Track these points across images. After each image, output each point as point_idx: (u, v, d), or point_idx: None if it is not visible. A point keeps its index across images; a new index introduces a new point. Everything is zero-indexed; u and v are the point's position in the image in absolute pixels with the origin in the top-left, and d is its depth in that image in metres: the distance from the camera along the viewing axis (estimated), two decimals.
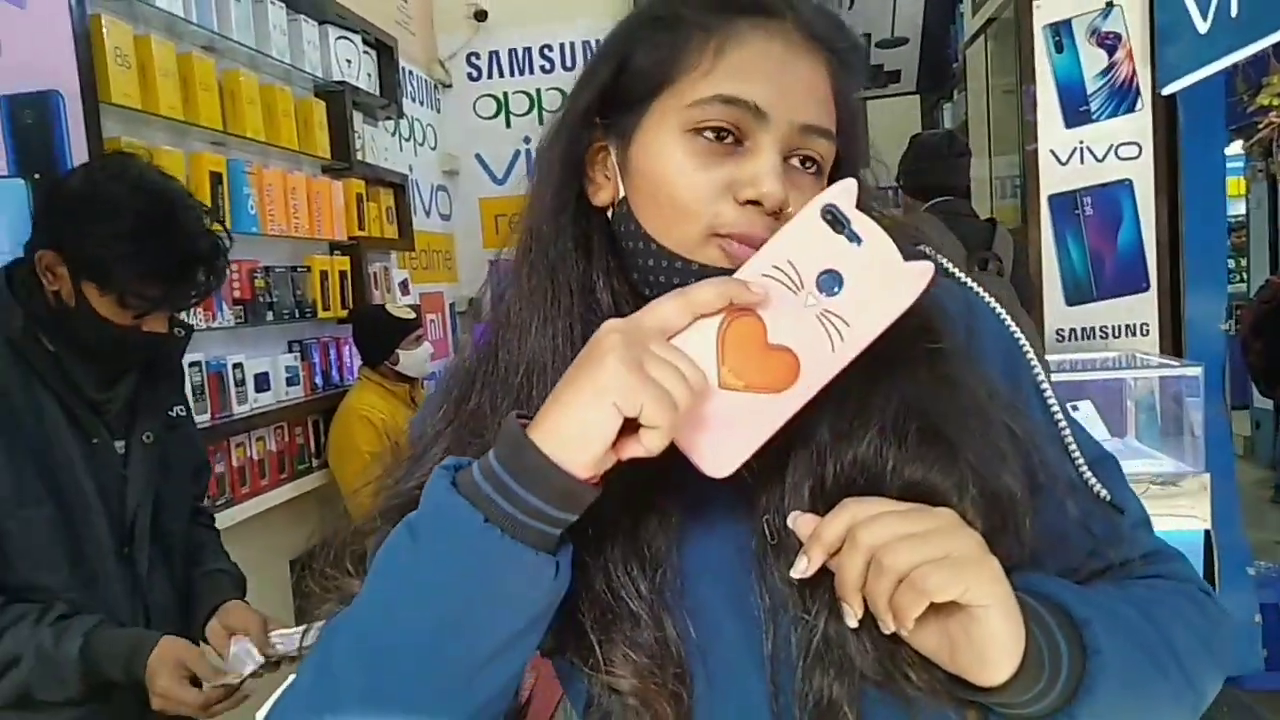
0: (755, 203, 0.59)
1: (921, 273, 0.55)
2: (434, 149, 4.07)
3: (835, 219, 0.55)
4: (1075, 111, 2.96)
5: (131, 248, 1.27)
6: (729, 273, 0.57)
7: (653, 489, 0.60)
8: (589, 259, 0.65)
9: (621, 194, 0.64)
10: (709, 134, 0.60)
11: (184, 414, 1.54)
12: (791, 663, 0.59)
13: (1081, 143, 2.96)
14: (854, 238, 0.54)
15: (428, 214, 3.96)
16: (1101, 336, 2.97)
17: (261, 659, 1.39)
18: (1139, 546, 0.67)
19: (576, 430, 0.50)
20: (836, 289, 0.54)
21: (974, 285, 0.71)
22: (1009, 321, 0.70)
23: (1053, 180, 2.97)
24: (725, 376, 0.53)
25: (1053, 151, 2.97)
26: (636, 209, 0.63)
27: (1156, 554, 0.67)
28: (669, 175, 0.60)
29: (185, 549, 1.53)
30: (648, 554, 0.60)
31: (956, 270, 0.71)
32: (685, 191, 0.60)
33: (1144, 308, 2.95)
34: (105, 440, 1.37)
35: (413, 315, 2.87)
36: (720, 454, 0.54)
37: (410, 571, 0.53)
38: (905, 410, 0.60)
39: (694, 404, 0.52)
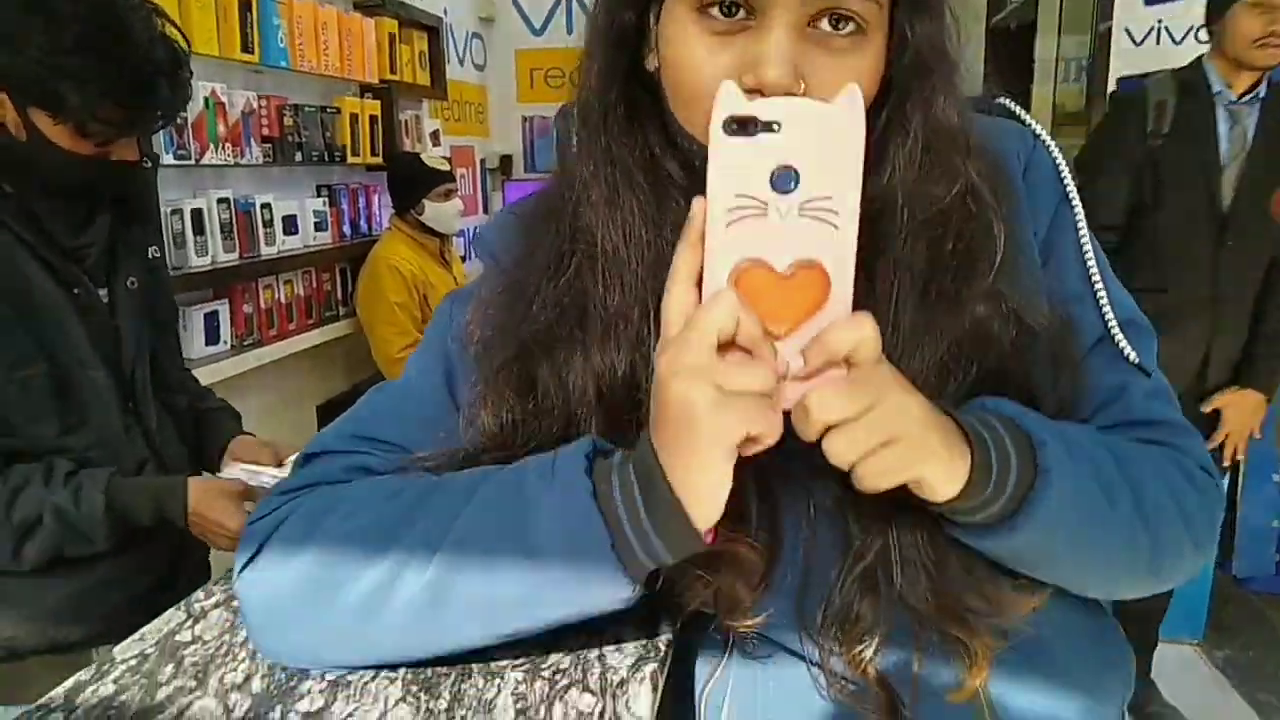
0: (759, 91, 0.54)
1: (849, 96, 0.49)
2: None
3: (740, 125, 0.50)
4: None
5: (79, 63, 1.09)
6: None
7: None
8: (645, 130, 0.63)
9: (656, 65, 0.62)
10: (716, 11, 0.55)
11: (159, 255, 1.40)
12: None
13: (1160, 21, 2.77)
14: (769, 126, 0.49)
15: (461, 63, 3.81)
16: None
17: (272, 476, 1.35)
18: (1150, 413, 0.64)
19: (706, 492, 0.51)
20: (793, 183, 0.50)
21: (1038, 129, 0.68)
22: (1064, 173, 0.67)
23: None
24: (771, 331, 0.51)
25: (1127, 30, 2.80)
26: (664, 84, 0.61)
27: (1166, 424, 0.65)
28: (681, 60, 0.57)
29: (186, 396, 1.47)
30: None
31: (1021, 113, 0.69)
32: (693, 77, 0.57)
33: None
34: (88, 289, 1.24)
35: (447, 168, 2.79)
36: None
37: (509, 537, 0.55)
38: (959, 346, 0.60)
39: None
